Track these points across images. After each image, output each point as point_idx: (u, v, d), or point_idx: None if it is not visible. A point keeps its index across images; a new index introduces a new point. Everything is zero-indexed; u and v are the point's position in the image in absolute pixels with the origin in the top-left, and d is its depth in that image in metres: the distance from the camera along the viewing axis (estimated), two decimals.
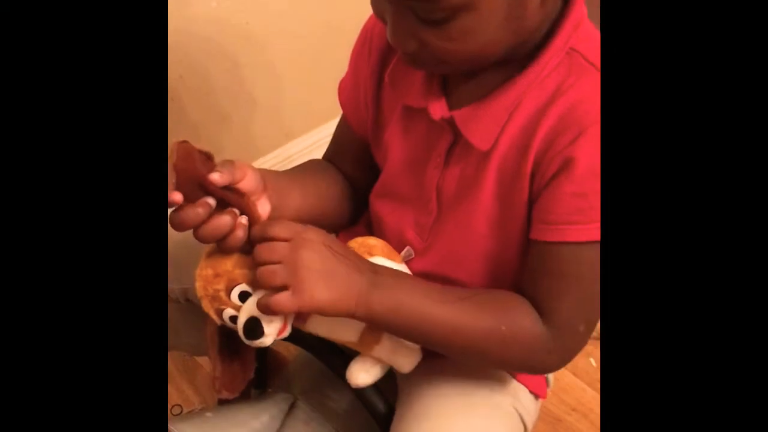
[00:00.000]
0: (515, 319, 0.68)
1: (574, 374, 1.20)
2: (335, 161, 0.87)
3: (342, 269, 0.64)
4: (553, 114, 0.64)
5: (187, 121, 1.26)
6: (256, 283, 0.64)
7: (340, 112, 0.84)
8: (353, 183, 0.86)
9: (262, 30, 1.29)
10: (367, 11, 0.72)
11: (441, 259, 0.76)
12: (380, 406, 0.76)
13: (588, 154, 0.62)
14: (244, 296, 0.65)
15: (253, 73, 1.32)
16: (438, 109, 0.69)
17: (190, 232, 0.83)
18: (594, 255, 0.64)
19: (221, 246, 0.65)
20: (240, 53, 1.28)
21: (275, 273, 0.62)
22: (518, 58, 0.65)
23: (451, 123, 0.69)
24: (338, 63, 0.84)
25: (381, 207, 0.82)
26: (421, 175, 0.74)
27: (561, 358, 0.73)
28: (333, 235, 0.71)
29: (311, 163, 0.86)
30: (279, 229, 0.64)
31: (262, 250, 0.63)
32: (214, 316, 0.67)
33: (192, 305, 0.83)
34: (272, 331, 0.64)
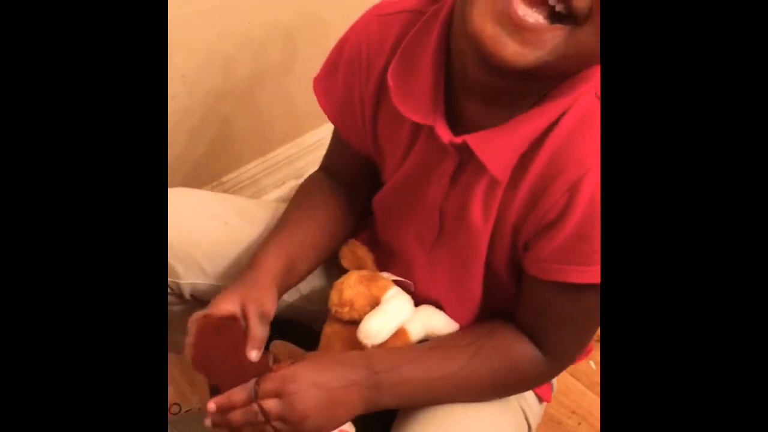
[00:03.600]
0: (517, 362, 0.72)
1: (574, 377, 1.20)
2: (333, 172, 0.86)
3: (340, 395, 0.66)
4: (551, 146, 0.62)
5: (182, 122, 1.26)
6: None
7: (322, 121, 0.82)
8: (355, 190, 0.84)
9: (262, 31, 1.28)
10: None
11: (443, 281, 0.76)
12: None
13: (590, 199, 0.61)
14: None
15: (251, 76, 1.31)
16: (444, 131, 0.65)
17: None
18: (594, 297, 0.64)
19: None
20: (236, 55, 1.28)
21: None
22: (545, 87, 0.62)
23: (460, 148, 0.65)
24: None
25: (382, 215, 0.81)
26: (422, 192, 0.72)
27: (553, 375, 0.79)
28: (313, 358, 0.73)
29: (304, 202, 0.84)
30: (265, 387, 0.64)
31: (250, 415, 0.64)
32: None
33: (196, 302, 0.83)
34: None
